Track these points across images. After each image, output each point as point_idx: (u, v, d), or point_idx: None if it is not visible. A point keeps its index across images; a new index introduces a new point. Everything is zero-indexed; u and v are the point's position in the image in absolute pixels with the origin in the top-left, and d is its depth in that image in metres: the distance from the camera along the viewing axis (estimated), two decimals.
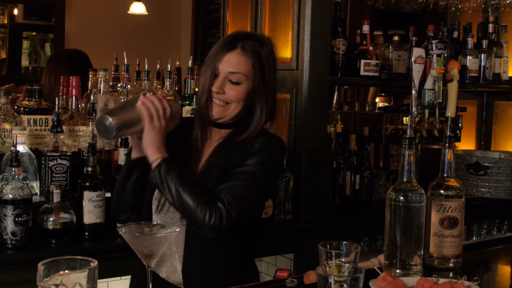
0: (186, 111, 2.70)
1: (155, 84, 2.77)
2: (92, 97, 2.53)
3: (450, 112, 3.08)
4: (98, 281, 1.17)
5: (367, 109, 4.03)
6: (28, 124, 2.40)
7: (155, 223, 1.47)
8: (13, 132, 2.27)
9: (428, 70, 3.09)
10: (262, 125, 1.84)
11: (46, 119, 2.43)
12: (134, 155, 1.79)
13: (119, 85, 2.72)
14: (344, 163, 3.03)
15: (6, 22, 6.15)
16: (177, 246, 1.76)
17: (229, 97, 1.78)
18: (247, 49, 1.78)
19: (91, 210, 2.20)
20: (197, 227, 1.69)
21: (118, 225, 1.62)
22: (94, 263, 1.15)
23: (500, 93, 3.82)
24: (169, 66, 2.78)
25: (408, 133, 1.73)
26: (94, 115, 2.39)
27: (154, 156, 1.68)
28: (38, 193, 2.32)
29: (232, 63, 1.77)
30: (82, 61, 3.44)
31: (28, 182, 2.15)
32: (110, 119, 1.60)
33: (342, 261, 1.43)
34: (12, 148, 2.16)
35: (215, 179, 1.75)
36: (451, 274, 1.73)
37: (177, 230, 1.41)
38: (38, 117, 2.43)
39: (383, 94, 4.45)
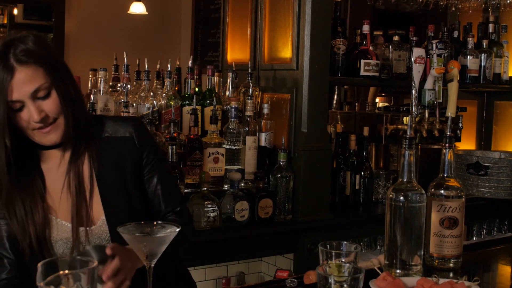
0: (186, 111, 2.70)
1: (155, 84, 2.77)
2: (92, 97, 2.53)
3: (450, 112, 3.08)
4: None
5: (367, 109, 4.03)
6: None
7: (155, 222, 1.46)
8: None
9: (428, 70, 3.09)
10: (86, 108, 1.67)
11: None
12: None
13: (119, 85, 2.72)
14: (344, 163, 3.03)
15: (6, 22, 6.14)
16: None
17: (53, 112, 1.52)
18: (23, 59, 1.48)
19: None
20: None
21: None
22: (94, 263, 1.15)
23: (500, 93, 3.82)
24: (169, 66, 2.78)
25: (408, 133, 1.73)
26: (93, 114, 2.39)
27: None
28: None
29: (25, 82, 1.48)
30: None
31: None
32: None
33: (342, 261, 1.43)
34: None
35: (118, 190, 1.64)
36: (451, 274, 1.72)
37: (178, 230, 1.41)
38: None
39: (383, 94, 4.45)
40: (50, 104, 1.52)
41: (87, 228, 1.61)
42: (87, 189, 1.62)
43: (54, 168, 1.64)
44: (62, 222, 1.62)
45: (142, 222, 1.46)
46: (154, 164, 1.71)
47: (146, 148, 1.69)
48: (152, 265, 1.42)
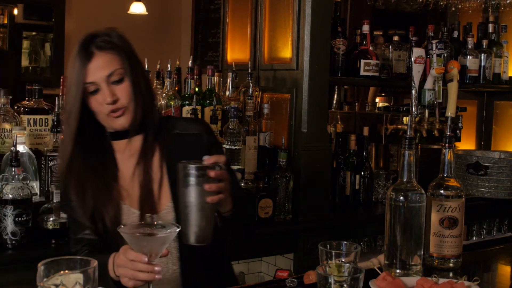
0: (186, 111, 2.70)
1: (155, 84, 2.77)
2: None
3: (450, 112, 3.08)
4: None
5: (367, 109, 4.03)
6: (28, 124, 2.40)
7: (155, 222, 1.47)
8: (13, 132, 2.27)
9: (428, 70, 3.09)
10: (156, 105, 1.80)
11: (46, 119, 2.43)
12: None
13: None
14: (344, 163, 3.03)
15: (6, 22, 6.15)
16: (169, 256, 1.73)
17: (124, 97, 1.65)
18: (103, 46, 1.64)
19: None
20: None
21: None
22: (94, 263, 1.15)
23: (500, 93, 3.82)
24: (169, 66, 2.78)
25: (408, 133, 1.73)
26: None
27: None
28: (38, 193, 2.32)
29: (102, 66, 1.63)
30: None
31: (28, 182, 2.15)
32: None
33: (342, 261, 1.43)
34: (12, 148, 2.16)
35: None
36: (451, 274, 1.73)
37: (178, 230, 1.41)
38: (38, 117, 2.43)
39: (383, 94, 4.45)
40: (123, 90, 1.65)
41: (153, 215, 1.70)
42: (156, 178, 1.72)
43: (126, 158, 1.75)
44: (130, 209, 1.71)
45: (143, 222, 1.46)
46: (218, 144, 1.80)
47: (213, 147, 1.78)
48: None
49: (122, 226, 1.43)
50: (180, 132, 1.78)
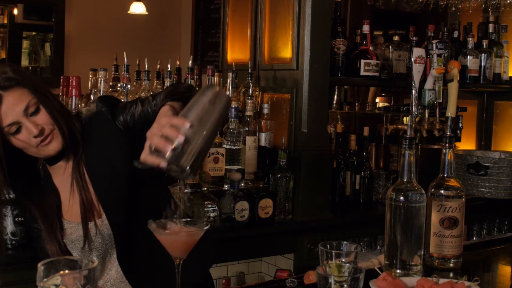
0: None
1: (155, 84, 2.77)
2: (92, 97, 2.53)
3: (450, 112, 3.08)
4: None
5: (367, 109, 4.03)
6: None
7: (184, 220, 1.49)
8: None
9: (428, 70, 3.09)
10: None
11: None
12: None
13: (119, 85, 2.72)
14: (344, 163, 3.03)
15: (6, 22, 6.15)
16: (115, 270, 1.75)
17: (47, 123, 1.64)
18: (7, 85, 1.59)
19: None
20: None
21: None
22: (94, 263, 1.15)
23: (500, 93, 3.82)
24: (169, 66, 2.78)
25: (408, 133, 1.73)
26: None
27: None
28: None
29: (15, 103, 1.59)
30: None
31: None
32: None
33: (342, 261, 1.43)
34: None
35: (111, 183, 1.72)
36: (451, 274, 1.72)
37: (205, 228, 1.44)
38: None
39: (383, 94, 4.45)
40: (43, 117, 1.63)
41: (96, 221, 1.71)
42: (90, 185, 1.72)
43: (66, 178, 1.74)
44: (75, 225, 1.71)
45: (175, 219, 1.48)
46: (120, 109, 1.73)
47: (116, 113, 1.74)
48: (181, 262, 1.45)
49: (152, 222, 1.45)
50: (85, 119, 1.75)
